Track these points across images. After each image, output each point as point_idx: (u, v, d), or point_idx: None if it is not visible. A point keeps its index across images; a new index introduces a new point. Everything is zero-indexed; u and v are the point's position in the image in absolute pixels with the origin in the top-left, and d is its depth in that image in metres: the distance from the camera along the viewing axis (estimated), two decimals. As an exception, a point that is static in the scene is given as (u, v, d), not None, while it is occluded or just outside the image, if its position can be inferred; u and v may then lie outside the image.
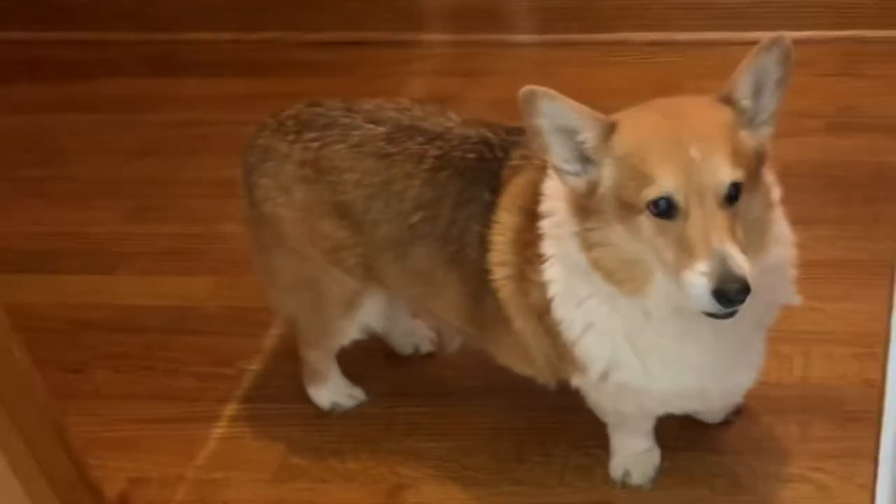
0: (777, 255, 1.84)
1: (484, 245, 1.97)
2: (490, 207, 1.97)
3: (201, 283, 2.74)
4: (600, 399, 2.03)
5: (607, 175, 1.72)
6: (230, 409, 2.43)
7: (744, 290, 1.62)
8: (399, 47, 3.51)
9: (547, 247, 1.88)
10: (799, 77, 3.21)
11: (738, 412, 2.26)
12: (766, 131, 1.76)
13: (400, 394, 2.41)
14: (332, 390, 2.38)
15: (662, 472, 2.18)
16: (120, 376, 2.54)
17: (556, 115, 1.70)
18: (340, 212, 2.09)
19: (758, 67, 1.70)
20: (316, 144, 2.09)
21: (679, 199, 1.65)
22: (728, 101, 1.72)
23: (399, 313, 2.42)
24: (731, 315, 1.68)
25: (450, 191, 2.01)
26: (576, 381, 1.99)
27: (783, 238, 1.88)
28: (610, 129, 1.71)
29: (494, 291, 1.98)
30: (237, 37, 3.59)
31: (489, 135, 2.04)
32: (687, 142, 1.65)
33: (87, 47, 3.63)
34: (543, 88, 1.71)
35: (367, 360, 2.46)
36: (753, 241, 1.74)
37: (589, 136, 1.72)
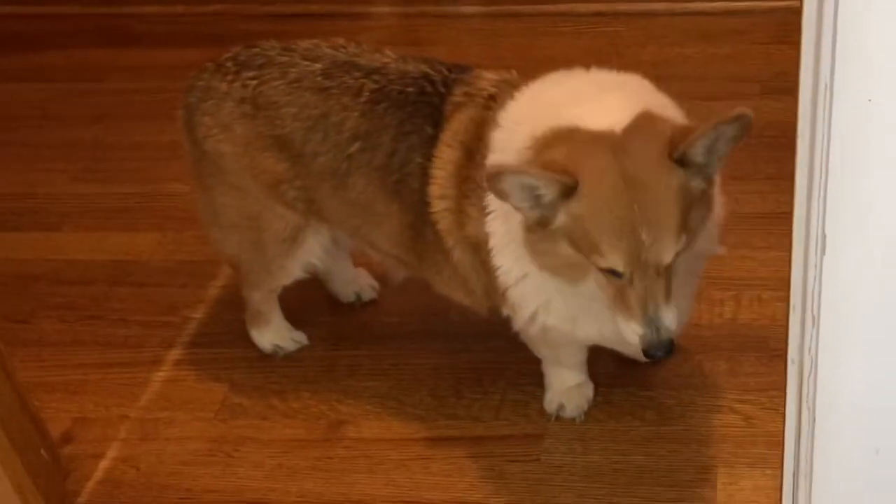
0: (708, 231, 1.91)
1: (425, 177, 2.01)
2: (432, 141, 2.01)
3: (147, 239, 2.77)
4: (528, 333, 2.08)
5: (561, 223, 1.77)
6: (174, 354, 2.46)
7: (669, 350, 1.79)
8: (347, 19, 3.55)
9: (491, 199, 1.90)
10: (737, 45, 3.28)
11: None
12: (714, 173, 1.81)
13: (342, 338, 2.46)
14: (274, 333, 2.41)
15: (595, 406, 2.23)
16: (66, 325, 2.57)
17: (521, 181, 1.74)
18: (280, 145, 2.12)
19: (718, 134, 1.73)
20: (254, 82, 2.14)
21: (625, 272, 1.75)
22: (682, 162, 1.74)
23: (342, 262, 2.46)
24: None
25: (389, 122, 2.05)
26: (505, 311, 2.04)
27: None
28: (568, 192, 1.73)
29: (434, 223, 2.02)
30: (187, 10, 3.63)
31: (429, 71, 2.07)
32: (638, 224, 1.71)
33: (40, 20, 3.65)
34: (511, 166, 1.76)
35: (310, 307, 2.51)
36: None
37: (547, 192, 1.74)
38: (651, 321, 1.76)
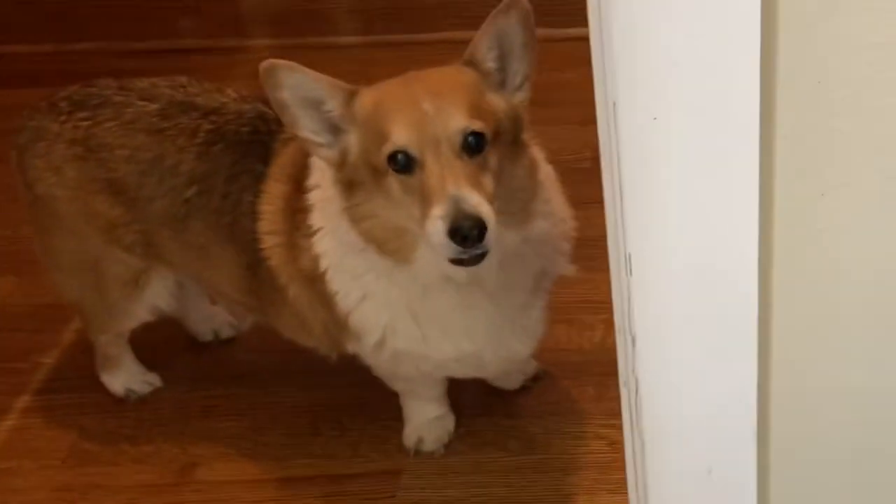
0: (542, 228, 1.84)
1: (254, 215, 1.94)
2: (262, 178, 1.95)
3: (2, 284, 2.65)
4: (378, 365, 2.00)
5: (354, 141, 1.72)
6: (22, 401, 2.35)
7: (478, 227, 1.60)
8: (222, 53, 3.46)
9: (316, 218, 1.86)
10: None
11: (535, 378, 2.24)
12: (520, 97, 1.75)
13: (198, 378, 2.36)
14: (126, 376, 2.31)
15: (457, 437, 2.15)
16: None
17: (299, 86, 1.70)
18: (113, 188, 2.04)
19: (497, 30, 1.69)
20: (87, 123, 2.05)
21: (414, 151, 1.65)
22: (471, 63, 1.72)
23: (197, 299, 2.38)
24: (477, 260, 1.66)
25: (223, 163, 1.98)
26: (351, 347, 1.96)
27: (553, 213, 1.88)
28: (352, 96, 1.71)
29: (266, 260, 1.95)
30: (57, 48, 3.52)
31: (265, 109, 2.00)
32: (420, 98, 1.66)
33: None
34: (284, 61, 1.70)
35: (166, 346, 2.42)
36: (515, 208, 1.76)
37: (333, 105, 1.71)
38: (451, 198, 1.60)
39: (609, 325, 2.34)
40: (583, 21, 1.19)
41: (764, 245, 1.26)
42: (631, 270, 1.29)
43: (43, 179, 2.07)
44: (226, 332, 2.43)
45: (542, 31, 3.50)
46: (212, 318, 2.42)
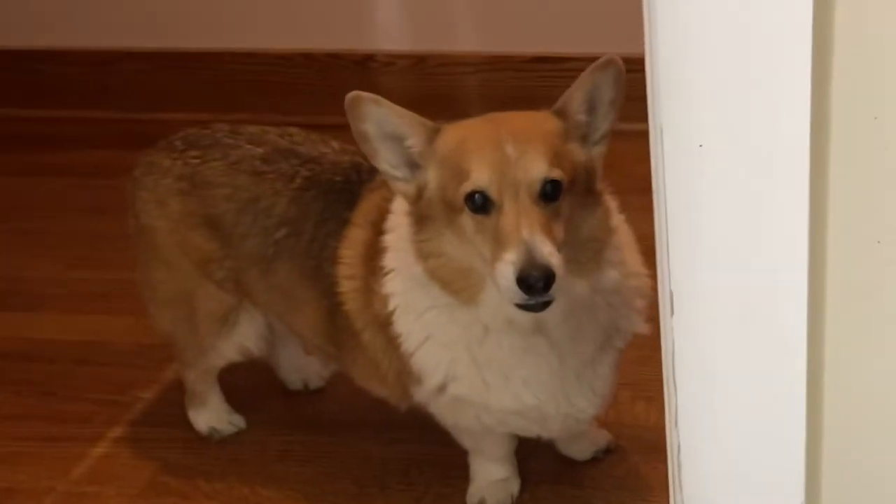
0: (612, 278, 1.75)
1: (336, 259, 1.90)
2: (345, 224, 1.92)
3: (119, 322, 2.65)
4: (440, 413, 1.91)
5: (432, 178, 1.68)
6: (116, 431, 2.33)
7: (546, 277, 1.53)
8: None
9: (389, 259, 1.82)
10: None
11: (607, 450, 2.09)
12: (598, 150, 1.70)
13: (280, 424, 2.30)
14: (210, 414, 2.26)
15: (521, 502, 2.00)
16: (19, 399, 2.45)
17: (382, 120, 1.67)
18: (210, 224, 2.03)
19: (593, 85, 1.66)
20: (196, 161, 2.06)
21: (493, 193, 1.59)
22: (561, 113, 1.68)
23: (290, 349, 2.33)
24: (542, 307, 1.59)
25: (314, 209, 1.96)
26: (415, 393, 1.88)
27: (626, 263, 1.79)
28: (434, 133, 1.68)
29: (342, 304, 1.90)
30: (211, 117, 3.52)
31: (361, 161, 1.97)
32: (504, 140, 1.61)
33: (65, 123, 3.59)
34: (369, 94, 1.67)
35: (256, 391, 2.37)
36: (585, 257, 1.69)
37: (415, 141, 1.68)
38: (524, 244, 1.53)
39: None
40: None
41: (814, 289, 1.09)
42: (673, 310, 1.13)
43: (147, 211, 2.08)
44: (315, 383, 2.36)
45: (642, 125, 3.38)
46: (303, 368, 2.37)
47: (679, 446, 1.23)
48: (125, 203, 3.10)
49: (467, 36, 3.33)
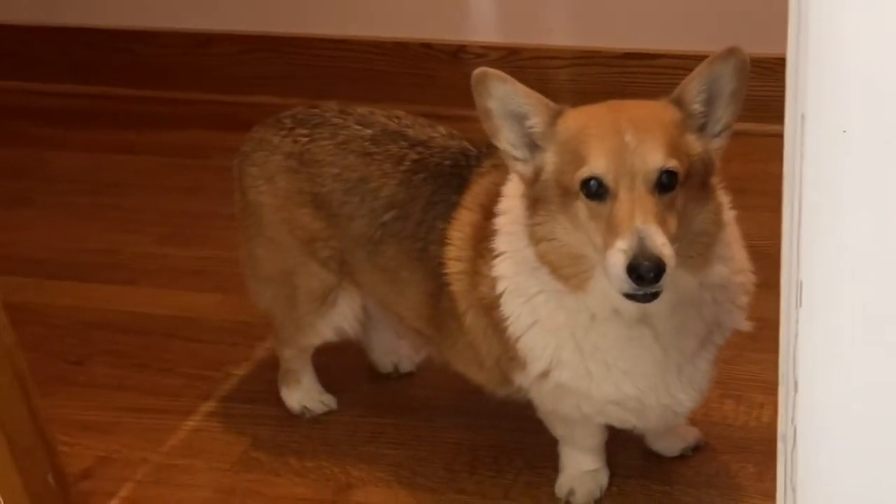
0: (720, 274, 1.73)
1: (444, 241, 1.89)
2: (454, 207, 1.90)
3: (210, 299, 2.68)
4: (541, 400, 1.90)
5: (550, 160, 1.66)
6: (208, 405, 2.34)
7: (656, 268, 1.51)
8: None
9: (499, 243, 1.80)
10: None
11: (696, 448, 2.07)
12: (717, 143, 1.67)
13: (371, 405, 2.30)
14: (303, 393, 2.26)
15: (608, 495, 2.02)
16: (114, 370, 2.48)
17: (507, 98, 1.65)
18: (317, 203, 2.03)
19: (712, 74, 1.63)
20: (305, 139, 2.06)
21: (609, 180, 1.57)
22: (678, 103, 1.65)
23: (383, 332, 2.32)
24: (650, 298, 1.57)
25: (423, 192, 1.95)
26: (518, 378, 1.84)
27: (734, 261, 1.77)
28: (557, 115, 1.66)
29: (448, 285, 1.89)
30: (299, 101, 3.54)
31: (469, 147, 1.98)
32: (623, 128, 1.59)
33: (160, 103, 3.63)
34: (496, 71, 1.65)
35: (347, 373, 2.37)
36: (696, 252, 1.67)
37: (537, 122, 1.66)
38: (637, 233, 1.52)
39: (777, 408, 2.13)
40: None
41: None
42: (801, 301, 1.11)
43: (255, 187, 2.08)
44: (405, 366, 2.36)
45: (756, 126, 3.34)
46: (394, 352, 2.36)
47: (795, 442, 1.21)
48: (216, 183, 3.17)
49: (559, 30, 3.32)
